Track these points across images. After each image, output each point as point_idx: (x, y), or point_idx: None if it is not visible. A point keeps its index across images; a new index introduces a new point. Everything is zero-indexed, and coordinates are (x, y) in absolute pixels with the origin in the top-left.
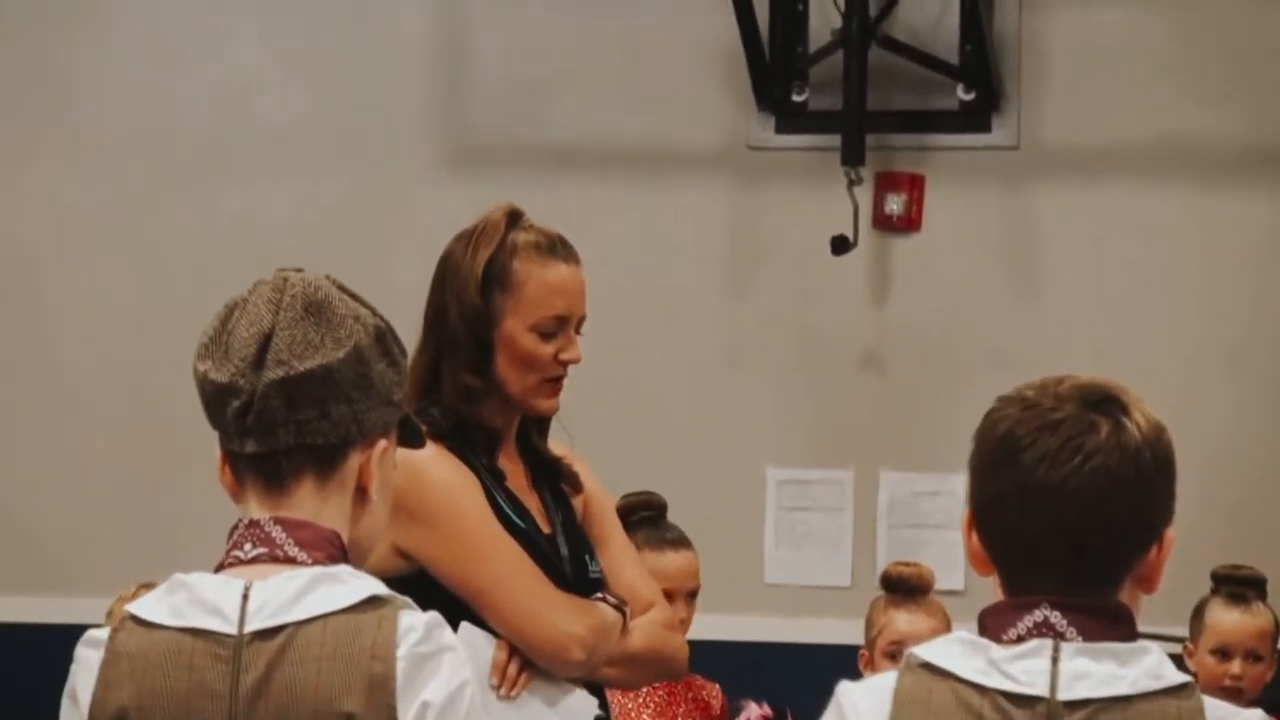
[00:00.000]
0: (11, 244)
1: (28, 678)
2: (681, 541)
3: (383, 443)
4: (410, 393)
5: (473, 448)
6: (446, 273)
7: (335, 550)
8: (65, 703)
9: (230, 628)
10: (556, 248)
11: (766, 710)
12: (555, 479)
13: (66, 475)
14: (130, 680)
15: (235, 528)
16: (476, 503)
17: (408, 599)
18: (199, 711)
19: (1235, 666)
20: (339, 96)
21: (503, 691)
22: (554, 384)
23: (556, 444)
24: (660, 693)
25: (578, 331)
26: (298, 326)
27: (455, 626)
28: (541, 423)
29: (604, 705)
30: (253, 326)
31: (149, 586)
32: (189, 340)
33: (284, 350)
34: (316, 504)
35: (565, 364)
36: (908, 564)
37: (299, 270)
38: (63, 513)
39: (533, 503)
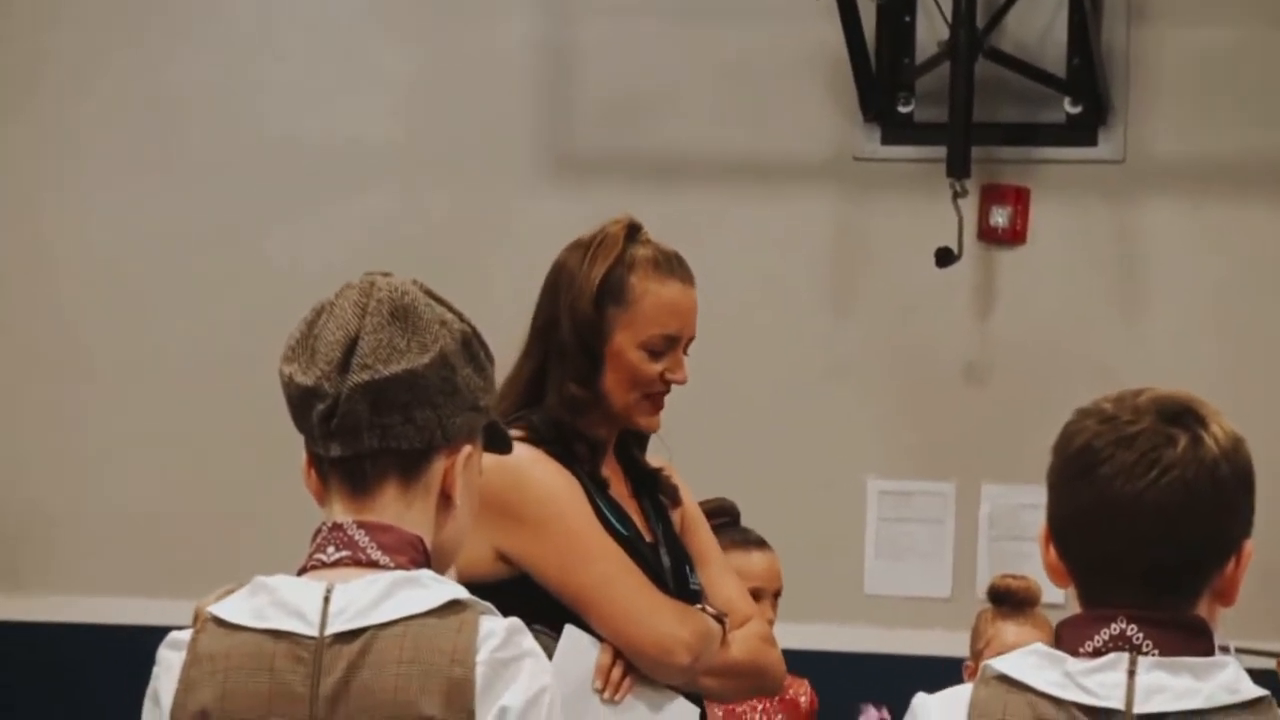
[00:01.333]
0: (110, 254)
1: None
2: (763, 543)
3: (467, 448)
4: (513, 399)
5: (575, 456)
6: (560, 281)
7: (418, 554)
8: (147, 704)
9: (311, 630)
10: (674, 266)
11: (885, 715)
12: (654, 491)
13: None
14: (212, 681)
15: (319, 530)
16: (579, 506)
17: (489, 604)
18: (280, 713)
19: None
20: (445, 108)
21: (606, 695)
22: (656, 401)
23: (654, 457)
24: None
25: (685, 352)
26: (383, 331)
27: (559, 631)
28: (641, 435)
29: (704, 715)
30: (339, 330)
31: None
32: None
33: (369, 355)
34: (400, 508)
35: (670, 384)
36: (1016, 577)
37: (387, 274)
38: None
39: (634, 512)
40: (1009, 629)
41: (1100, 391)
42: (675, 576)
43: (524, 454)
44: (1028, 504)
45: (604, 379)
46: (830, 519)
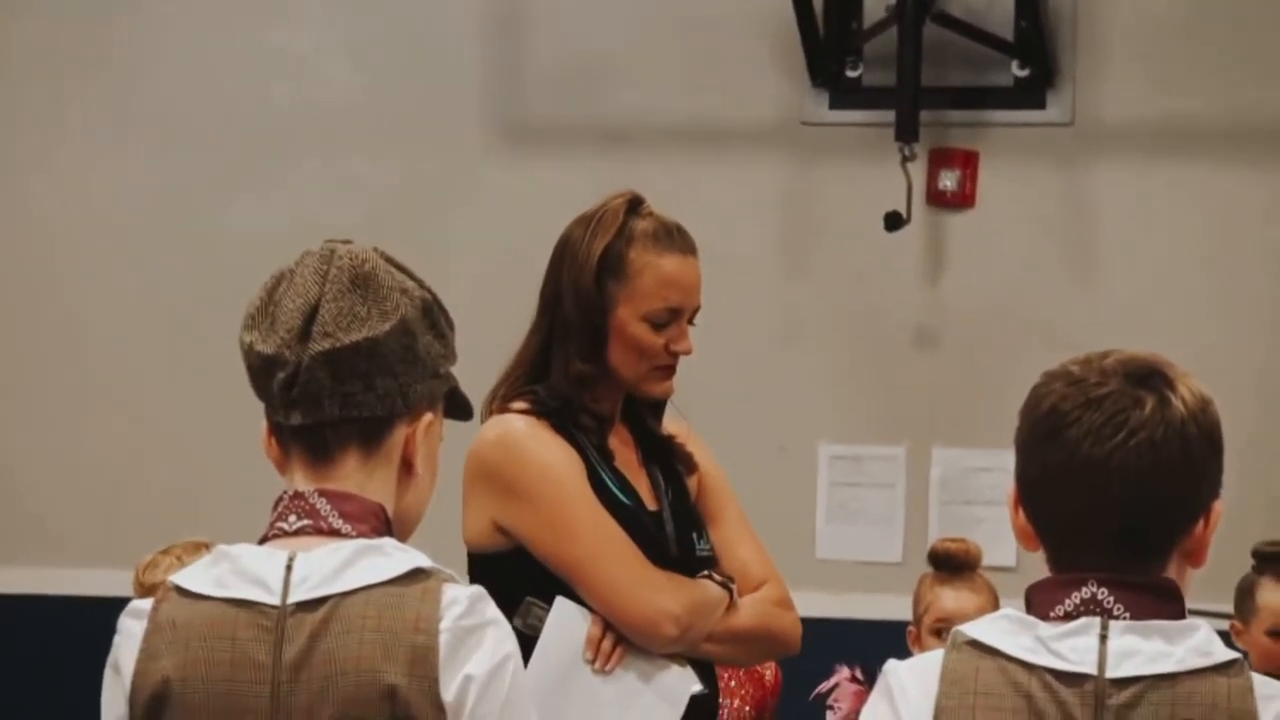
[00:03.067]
0: (57, 225)
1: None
2: None
3: (428, 416)
4: (521, 373)
5: (580, 427)
6: (564, 256)
7: (380, 523)
8: (108, 673)
9: (273, 599)
10: (674, 237)
11: (858, 673)
12: (668, 458)
13: (81, 449)
14: (173, 650)
15: (280, 499)
16: (574, 478)
17: (452, 572)
18: (242, 682)
19: None
20: (395, 75)
21: (597, 665)
22: (666, 371)
23: (671, 422)
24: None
25: (691, 322)
26: (344, 299)
27: (551, 601)
28: (656, 403)
29: (713, 681)
30: (299, 298)
31: (174, 552)
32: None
33: (330, 323)
34: (362, 477)
35: (676, 354)
36: (955, 540)
37: (346, 241)
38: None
39: (641, 481)
40: (947, 594)
41: (1050, 354)
42: (680, 544)
43: (522, 428)
44: (978, 467)
45: (609, 353)
46: (781, 484)
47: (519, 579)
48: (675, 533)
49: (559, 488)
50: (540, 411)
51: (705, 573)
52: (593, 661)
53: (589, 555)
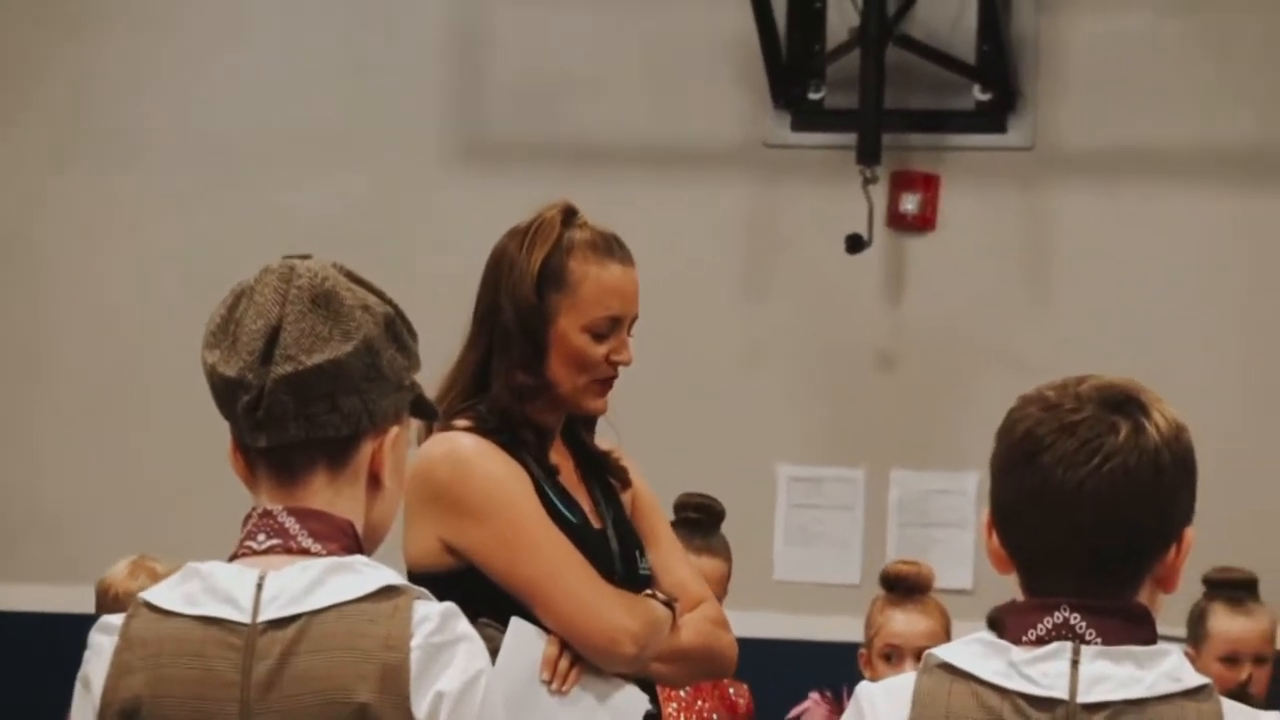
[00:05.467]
0: (34, 238)
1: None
2: (710, 549)
3: (395, 429)
4: (459, 388)
5: (522, 444)
6: (500, 269)
7: (349, 540)
8: (78, 688)
9: (244, 616)
10: (613, 248)
11: (827, 694)
12: (603, 475)
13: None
14: (143, 667)
15: (248, 517)
16: (525, 496)
17: (423, 589)
18: (211, 700)
19: (1244, 672)
20: (356, 91)
21: (554, 686)
22: (604, 384)
23: (602, 440)
24: (686, 689)
25: (629, 332)
26: (305, 319)
27: (505, 622)
28: (589, 419)
29: (655, 701)
30: (260, 319)
31: (143, 564)
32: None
33: (292, 345)
34: (330, 495)
35: (617, 365)
36: (907, 562)
37: (305, 257)
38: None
39: (583, 498)
40: (897, 616)
41: (1010, 377)
42: (624, 562)
43: (470, 445)
44: (936, 490)
45: (549, 365)
46: (740, 504)
47: (468, 599)
48: (620, 550)
49: (510, 505)
50: (483, 429)
51: (649, 591)
52: (549, 682)
53: (545, 573)
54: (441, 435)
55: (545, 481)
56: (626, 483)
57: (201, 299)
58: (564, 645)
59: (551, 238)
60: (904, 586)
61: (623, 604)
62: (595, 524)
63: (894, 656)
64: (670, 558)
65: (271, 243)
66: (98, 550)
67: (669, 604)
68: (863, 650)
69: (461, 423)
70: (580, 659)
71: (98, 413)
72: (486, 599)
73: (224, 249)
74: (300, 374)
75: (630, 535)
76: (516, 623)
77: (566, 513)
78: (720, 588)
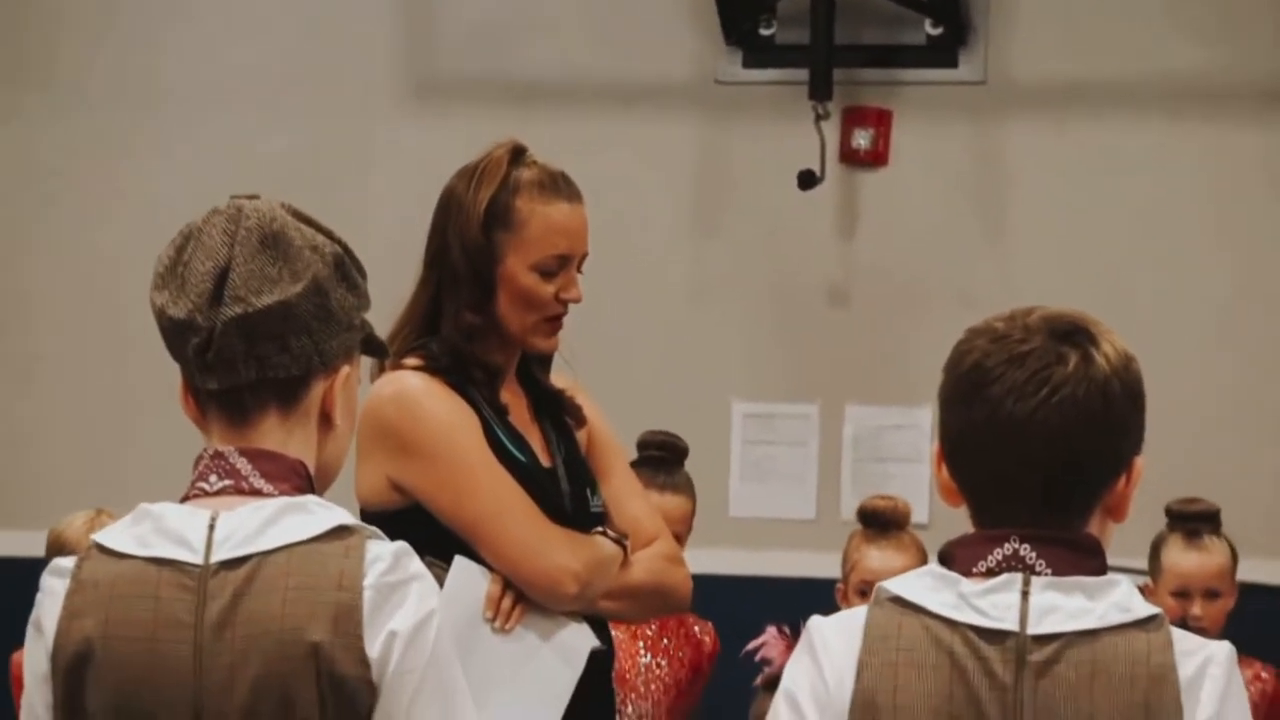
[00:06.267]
0: None
1: None
2: (673, 486)
3: (345, 369)
4: (410, 328)
5: (473, 383)
6: (449, 209)
7: (301, 481)
8: (30, 631)
9: (196, 557)
10: (560, 185)
11: (784, 628)
12: (558, 412)
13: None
14: (96, 609)
15: (200, 458)
16: (471, 436)
17: (375, 529)
18: (164, 641)
19: (1196, 607)
20: (305, 33)
21: (497, 624)
22: (554, 323)
23: (559, 377)
24: (652, 626)
25: (579, 269)
26: (254, 260)
27: (449, 560)
28: (544, 357)
29: (607, 638)
30: (209, 260)
31: (101, 519)
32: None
33: (241, 286)
34: (281, 435)
35: (566, 303)
36: (884, 498)
37: (253, 197)
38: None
39: (534, 437)
40: (872, 552)
41: (963, 312)
42: (575, 500)
43: (418, 385)
44: (891, 425)
45: (498, 303)
46: (695, 442)
47: (414, 537)
48: (570, 489)
49: (456, 445)
50: (433, 368)
51: (599, 529)
52: (493, 620)
53: (488, 513)
54: (391, 375)
55: (494, 421)
56: (581, 420)
57: (151, 241)
58: (507, 583)
59: (498, 177)
60: (880, 521)
61: (566, 543)
62: (545, 462)
63: (869, 592)
64: (624, 494)
65: (222, 184)
66: (45, 494)
67: (619, 541)
68: (839, 585)
69: (412, 361)
70: (524, 597)
71: (47, 356)
72: (433, 537)
73: (175, 191)
74: (250, 315)
75: (583, 473)
76: (460, 561)
77: (516, 452)
78: (684, 525)
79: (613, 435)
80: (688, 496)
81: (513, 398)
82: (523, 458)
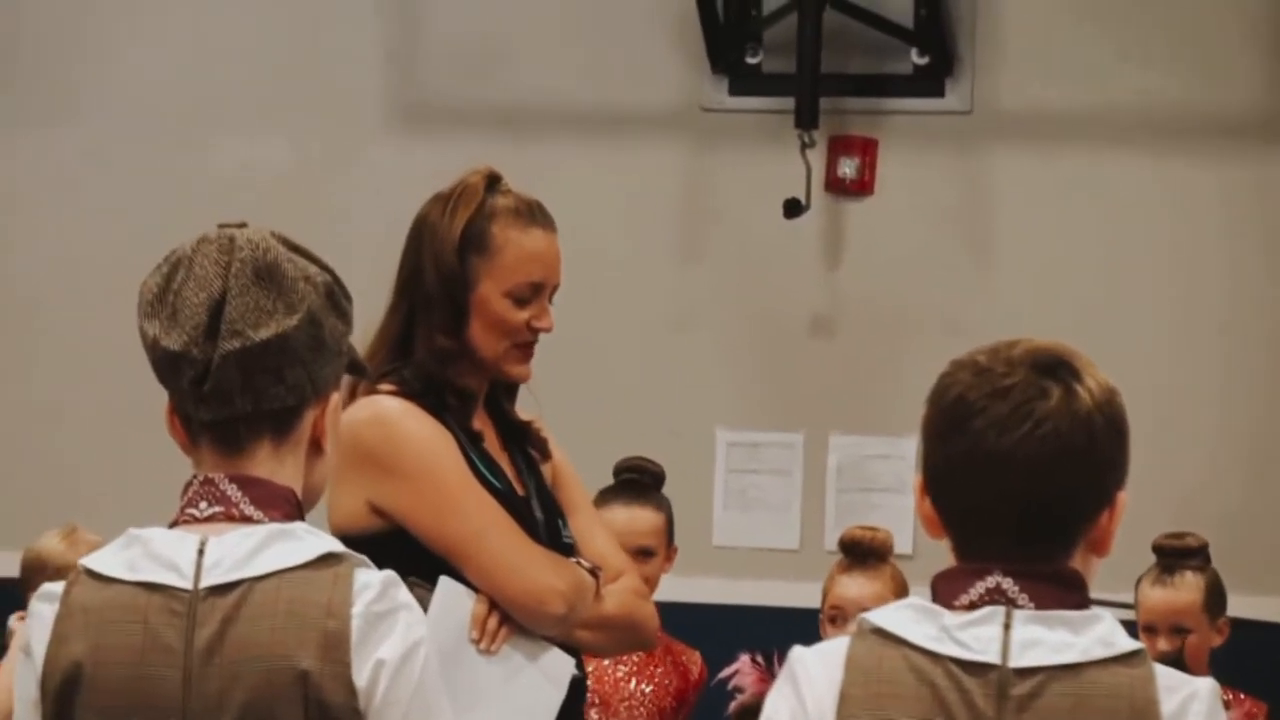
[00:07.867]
0: None
1: None
2: (642, 501)
3: (335, 396)
4: (383, 353)
5: (446, 408)
6: (423, 234)
7: (291, 508)
8: (19, 656)
9: (185, 583)
10: (535, 214)
11: (757, 656)
12: (524, 443)
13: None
14: (85, 634)
15: (189, 484)
16: (453, 458)
17: (364, 557)
18: (153, 665)
19: (1161, 643)
20: (293, 54)
21: (482, 645)
22: (525, 349)
23: (523, 410)
24: (638, 654)
25: (550, 299)
26: (249, 293)
27: (433, 583)
28: (510, 388)
29: (580, 667)
30: (202, 291)
31: (78, 536)
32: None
33: (238, 319)
34: (274, 464)
35: (538, 331)
36: (866, 528)
37: (242, 225)
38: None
39: (505, 465)
40: (844, 581)
41: (947, 342)
42: (548, 529)
43: (396, 407)
44: (875, 455)
45: (471, 330)
46: (678, 470)
47: (396, 561)
48: (543, 518)
49: (438, 466)
50: (407, 393)
51: (574, 559)
52: (478, 641)
53: (473, 532)
54: (366, 399)
55: (470, 446)
56: (546, 454)
57: (134, 261)
58: (492, 604)
59: (474, 203)
60: (859, 551)
61: (551, 564)
62: (519, 491)
63: (838, 619)
64: (590, 529)
65: (205, 204)
66: (17, 515)
67: (593, 571)
68: (821, 614)
69: (386, 386)
70: (509, 619)
71: (16, 372)
72: (414, 561)
73: (157, 211)
74: (248, 349)
75: (553, 504)
76: (445, 582)
77: (491, 478)
78: (655, 539)
79: (575, 472)
80: (656, 509)
81: (483, 426)
82: (499, 484)
